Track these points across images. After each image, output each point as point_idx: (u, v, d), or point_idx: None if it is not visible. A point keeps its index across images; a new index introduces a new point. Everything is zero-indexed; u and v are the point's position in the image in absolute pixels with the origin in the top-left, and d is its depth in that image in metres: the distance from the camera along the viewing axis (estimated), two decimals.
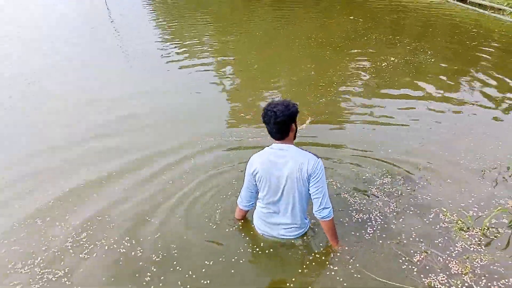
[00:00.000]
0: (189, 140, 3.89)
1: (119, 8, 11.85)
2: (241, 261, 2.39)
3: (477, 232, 2.51)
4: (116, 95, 5.27)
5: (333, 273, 2.27)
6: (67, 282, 2.28)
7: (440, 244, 2.42)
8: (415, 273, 2.23)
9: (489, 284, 2.13)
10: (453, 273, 2.21)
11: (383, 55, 6.36)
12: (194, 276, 2.29)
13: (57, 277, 2.32)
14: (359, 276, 2.23)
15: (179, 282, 2.25)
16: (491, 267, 2.24)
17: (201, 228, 2.66)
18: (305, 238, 2.50)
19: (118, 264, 2.42)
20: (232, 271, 2.33)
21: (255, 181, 2.32)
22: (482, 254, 2.34)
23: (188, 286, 2.23)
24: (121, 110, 4.74)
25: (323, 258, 2.37)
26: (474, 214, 2.69)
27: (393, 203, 2.83)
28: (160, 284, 2.26)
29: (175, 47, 7.46)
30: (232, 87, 5.47)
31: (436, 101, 4.69)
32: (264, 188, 2.31)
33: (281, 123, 2.14)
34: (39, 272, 2.36)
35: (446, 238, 2.48)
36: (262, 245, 2.48)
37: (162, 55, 7.00)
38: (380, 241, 2.47)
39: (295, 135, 2.29)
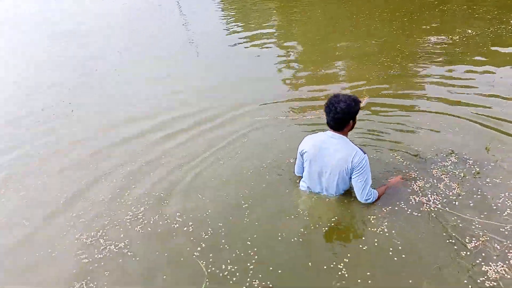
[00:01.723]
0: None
1: None
2: None
3: None
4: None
5: (367, 242, 2.45)
6: (128, 253, 2.67)
7: (503, 231, 2.41)
8: (465, 256, 2.29)
9: None
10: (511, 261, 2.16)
11: (456, 28, 6.08)
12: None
13: (117, 248, 2.70)
14: (398, 252, 2.37)
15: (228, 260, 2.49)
16: None
17: None
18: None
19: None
20: None
21: (303, 160, 2.73)
22: None
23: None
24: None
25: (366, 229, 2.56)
26: None
27: (454, 187, 2.83)
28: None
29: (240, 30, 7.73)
30: (294, 67, 5.72)
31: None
32: (309, 169, 2.71)
33: (340, 119, 2.49)
34: (103, 243, 2.75)
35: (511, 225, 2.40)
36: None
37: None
38: (433, 224, 2.53)
39: (351, 129, 2.63)
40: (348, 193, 2.81)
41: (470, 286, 2.10)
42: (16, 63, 7.56)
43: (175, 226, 2.84)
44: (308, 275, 2.32)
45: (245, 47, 6.82)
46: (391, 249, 2.40)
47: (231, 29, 8.03)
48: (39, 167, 3.88)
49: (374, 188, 2.68)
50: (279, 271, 2.36)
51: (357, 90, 4.54)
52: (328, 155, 2.57)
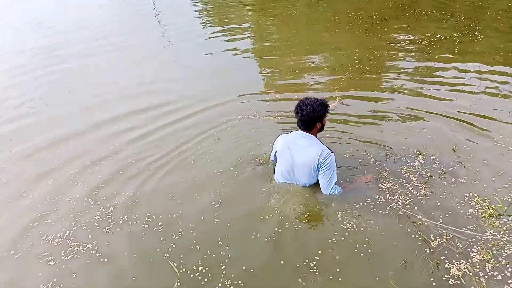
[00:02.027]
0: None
1: None
2: None
3: (509, 220, 2.53)
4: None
5: (336, 240, 2.57)
6: (96, 254, 2.65)
7: (465, 231, 2.55)
8: (429, 254, 2.41)
9: None
10: (474, 260, 2.33)
11: (426, 31, 6.30)
12: None
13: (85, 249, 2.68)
14: (366, 248, 2.49)
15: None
16: None
17: None
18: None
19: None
20: None
21: (275, 157, 3.02)
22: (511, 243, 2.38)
23: None
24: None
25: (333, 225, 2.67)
26: (510, 200, 2.70)
27: (422, 186, 2.95)
28: None
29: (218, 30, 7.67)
30: (269, 66, 5.77)
31: (481, 79, 4.68)
32: (279, 165, 2.96)
33: (305, 122, 2.76)
34: (70, 244, 2.72)
35: (474, 225, 2.60)
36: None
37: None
38: (400, 223, 2.65)
39: (320, 130, 2.87)
40: (318, 189, 2.89)
41: (434, 283, 2.22)
42: None
43: (145, 227, 2.82)
44: (281, 273, 2.39)
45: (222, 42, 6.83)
46: (357, 246, 2.51)
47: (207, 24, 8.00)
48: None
49: (340, 186, 2.86)
50: (251, 270, 2.41)
51: (329, 91, 4.65)
52: (296, 153, 2.83)
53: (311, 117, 2.71)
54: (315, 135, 2.85)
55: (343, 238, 2.57)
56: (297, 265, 2.41)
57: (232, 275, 2.38)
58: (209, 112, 4.38)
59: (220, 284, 2.33)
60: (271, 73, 5.48)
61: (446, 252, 2.39)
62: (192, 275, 2.39)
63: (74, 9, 10.35)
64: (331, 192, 2.80)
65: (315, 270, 2.36)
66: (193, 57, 6.35)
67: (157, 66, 6.11)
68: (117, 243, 2.72)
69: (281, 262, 2.45)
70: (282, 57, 5.97)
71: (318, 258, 2.44)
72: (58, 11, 10.31)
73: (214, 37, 7.13)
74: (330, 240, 2.56)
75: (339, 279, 2.30)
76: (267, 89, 4.95)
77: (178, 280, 2.37)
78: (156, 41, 7.25)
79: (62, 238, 2.80)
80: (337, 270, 2.36)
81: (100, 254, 2.64)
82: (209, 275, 2.39)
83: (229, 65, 5.94)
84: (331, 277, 2.32)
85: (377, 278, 2.29)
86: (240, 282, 2.33)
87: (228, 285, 2.32)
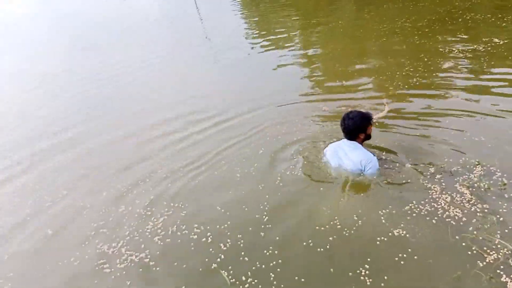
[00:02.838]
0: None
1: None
2: None
3: None
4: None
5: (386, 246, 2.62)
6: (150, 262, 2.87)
7: None
8: (484, 268, 2.37)
9: None
10: None
11: (480, 37, 6.13)
12: None
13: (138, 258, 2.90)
14: (415, 257, 2.52)
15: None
16: None
17: None
18: None
19: None
20: None
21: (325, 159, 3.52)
22: None
23: None
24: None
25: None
26: None
27: (478, 199, 2.90)
28: None
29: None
30: (316, 78, 5.97)
31: None
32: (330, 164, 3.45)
33: (348, 133, 3.21)
34: (124, 253, 2.97)
35: None
36: None
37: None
38: (452, 235, 2.65)
39: (364, 139, 3.27)
40: (366, 195, 3.08)
41: None
42: None
43: (194, 237, 2.98)
44: (331, 282, 2.48)
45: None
46: (405, 254, 2.55)
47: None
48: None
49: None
50: (302, 280, 2.51)
51: (377, 100, 4.68)
52: (342, 155, 3.30)
53: (352, 129, 3.16)
54: (360, 142, 3.25)
55: (392, 245, 2.62)
56: (349, 273, 2.48)
57: (282, 286, 2.47)
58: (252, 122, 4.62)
59: None
60: (318, 85, 5.61)
61: (502, 267, 2.35)
62: (241, 286, 2.50)
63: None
64: (375, 171, 3.18)
65: (366, 278, 2.42)
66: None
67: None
68: (167, 253, 2.92)
69: (331, 270, 2.54)
70: (329, 67, 6.06)
71: (367, 266, 2.50)
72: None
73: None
74: (380, 247, 2.62)
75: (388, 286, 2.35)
76: (314, 99, 5.08)
77: None
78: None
79: (117, 247, 3.03)
80: (385, 277, 2.41)
81: (153, 263, 2.83)
82: (260, 286, 2.49)
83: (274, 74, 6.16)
84: (382, 284, 2.37)
85: None
86: None
87: None
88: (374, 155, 3.21)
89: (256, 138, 4.25)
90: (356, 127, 3.14)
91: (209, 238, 2.95)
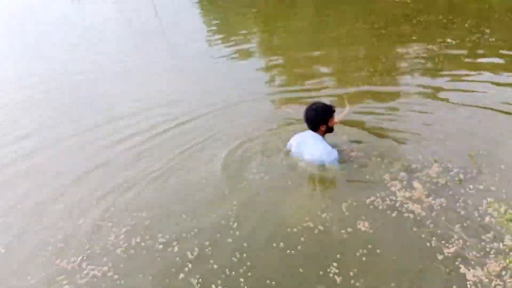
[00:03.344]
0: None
1: None
2: None
3: None
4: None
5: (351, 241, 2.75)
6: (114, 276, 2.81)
7: (482, 237, 2.67)
8: (442, 260, 2.53)
9: None
10: (490, 267, 2.44)
11: (435, 37, 6.54)
12: None
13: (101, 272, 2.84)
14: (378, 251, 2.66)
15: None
16: None
17: None
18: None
19: None
20: None
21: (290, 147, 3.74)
22: None
23: None
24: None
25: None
26: None
27: (436, 194, 3.09)
28: None
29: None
30: (276, 80, 6.12)
31: (498, 85, 4.82)
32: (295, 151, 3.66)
33: (310, 123, 3.43)
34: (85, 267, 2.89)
35: (491, 231, 2.70)
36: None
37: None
38: (412, 228, 2.81)
39: (326, 131, 3.47)
40: (329, 189, 3.33)
41: None
42: None
43: (159, 247, 2.95)
44: (304, 283, 2.54)
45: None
46: (368, 248, 2.69)
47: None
48: None
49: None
50: (273, 283, 2.55)
51: (337, 99, 4.82)
52: (304, 149, 3.50)
53: (313, 120, 3.38)
54: (322, 134, 3.46)
55: (356, 240, 2.76)
56: (318, 271, 2.57)
57: None
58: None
59: None
60: (277, 82, 5.78)
61: (461, 259, 2.52)
62: None
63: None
64: (330, 158, 3.37)
65: (335, 277, 2.52)
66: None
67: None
68: (131, 265, 2.86)
69: (301, 270, 2.61)
70: (288, 69, 6.22)
71: (336, 264, 2.60)
72: None
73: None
74: (345, 243, 2.76)
75: (356, 283, 2.46)
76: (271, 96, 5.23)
77: None
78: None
79: (76, 262, 2.93)
80: (351, 274, 2.52)
81: (117, 276, 2.78)
82: None
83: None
84: (353, 281, 2.48)
85: (392, 284, 2.43)
86: None
87: None
88: (335, 148, 3.42)
89: (216, 139, 4.29)
90: (318, 118, 3.36)
91: (176, 247, 2.93)
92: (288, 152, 3.72)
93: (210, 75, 6.56)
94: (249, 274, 2.63)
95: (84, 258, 2.96)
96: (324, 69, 5.99)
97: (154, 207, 3.40)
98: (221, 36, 8.74)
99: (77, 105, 5.94)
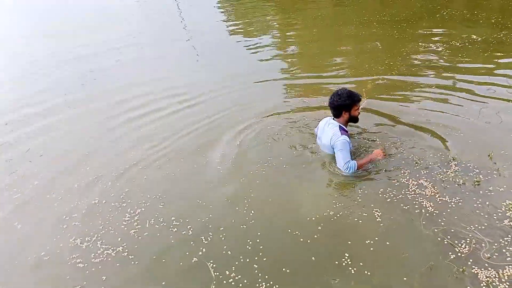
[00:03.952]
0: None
1: None
2: None
3: None
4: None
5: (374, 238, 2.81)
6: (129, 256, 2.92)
7: (497, 238, 2.72)
8: (454, 259, 2.59)
9: None
10: (503, 269, 2.49)
11: (457, 33, 6.56)
12: None
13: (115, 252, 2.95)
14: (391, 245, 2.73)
15: None
16: None
17: None
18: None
19: None
20: None
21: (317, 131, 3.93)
22: None
23: None
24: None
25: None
26: None
27: (452, 193, 3.14)
28: None
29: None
30: (294, 70, 6.12)
31: None
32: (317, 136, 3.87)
33: (333, 108, 3.48)
34: (100, 246, 3.00)
35: (509, 234, 2.74)
36: None
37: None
38: (425, 226, 2.87)
39: (349, 121, 3.54)
40: (344, 184, 3.37)
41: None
42: None
43: (173, 230, 3.01)
44: (314, 270, 2.62)
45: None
46: (379, 240, 2.78)
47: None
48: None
49: (355, 159, 3.46)
50: (288, 271, 2.64)
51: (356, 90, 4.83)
52: (321, 134, 3.65)
53: (336, 106, 3.41)
54: (343, 123, 3.52)
55: (368, 231, 2.85)
56: (331, 260, 2.66)
57: (267, 277, 2.60)
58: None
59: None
60: (295, 76, 5.80)
61: (474, 259, 2.59)
62: (225, 281, 2.60)
63: None
64: (344, 168, 3.36)
65: (350, 268, 2.59)
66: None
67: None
68: (145, 247, 2.97)
69: (313, 259, 2.70)
70: (307, 58, 6.29)
71: (347, 255, 2.69)
72: None
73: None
74: (358, 233, 2.85)
75: (368, 273, 2.55)
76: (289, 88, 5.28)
77: (214, 286, 2.59)
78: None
79: (90, 241, 3.05)
80: (361, 264, 2.61)
81: (132, 256, 2.88)
82: (245, 281, 2.61)
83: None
84: (366, 272, 2.56)
85: (404, 278, 2.51)
86: (275, 285, 2.54)
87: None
88: (344, 135, 3.40)
89: (230, 119, 4.52)
90: (341, 104, 3.38)
91: (190, 231, 3.04)
92: (314, 136, 3.89)
93: (228, 61, 6.73)
94: (263, 261, 2.72)
95: (99, 237, 3.07)
96: (342, 60, 6.02)
97: (169, 190, 3.51)
98: (238, 25, 8.88)
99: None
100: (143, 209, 3.31)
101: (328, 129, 3.51)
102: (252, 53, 6.97)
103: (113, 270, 2.80)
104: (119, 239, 3.03)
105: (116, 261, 2.86)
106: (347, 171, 3.36)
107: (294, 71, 5.97)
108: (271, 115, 4.59)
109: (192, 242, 2.93)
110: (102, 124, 4.87)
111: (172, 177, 3.68)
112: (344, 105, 3.39)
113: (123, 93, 5.74)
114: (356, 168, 3.36)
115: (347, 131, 3.53)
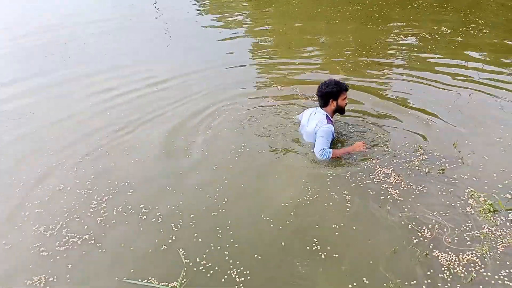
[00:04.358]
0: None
1: None
2: None
3: (506, 216, 2.78)
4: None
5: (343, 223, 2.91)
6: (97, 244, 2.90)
7: (459, 224, 2.88)
8: (417, 243, 2.73)
9: (502, 267, 2.55)
10: (464, 253, 2.65)
11: (427, 24, 6.76)
12: None
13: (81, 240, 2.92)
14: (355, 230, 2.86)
15: None
16: (509, 252, 2.66)
17: None
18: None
19: None
20: None
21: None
22: (504, 239, 2.71)
23: None
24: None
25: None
26: (510, 197, 3.02)
27: (417, 181, 3.28)
28: None
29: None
30: (268, 57, 6.17)
31: (485, 72, 5.04)
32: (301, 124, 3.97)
33: (320, 97, 3.61)
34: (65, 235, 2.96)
35: (469, 219, 2.91)
36: None
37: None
38: (391, 215, 2.98)
39: (336, 110, 3.64)
40: (316, 170, 3.44)
41: (421, 272, 2.53)
42: None
43: (142, 218, 3.00)
44: (285, 256, 2.69)
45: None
46: (354, 228, 2.88)
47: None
48: None
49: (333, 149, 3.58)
50: (259, 258, 2.69)
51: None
52: (307, 122, 3.71)
53: (324, 94, 3.53)
54: (330, 113, 3.63)
55: (336, 215, 2.96)
56: (301, 245, 2.73)
57: (238, 263, 2.64)
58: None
59: (226, 276, 2.57)
60: (268, 64, 5.81)
61: (436, 244, 2.74)
62: (195, 268, 2.62)
63: None
64: (319, 154, 3.48)
65: (320, 254, 2.67)
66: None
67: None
68: (113, 234, 2.95)
69: (282, 244, 2.77)
70: (280, 46, 6.37)
71: (316, 240, 2.77)
72: None
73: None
74: (328, 219, 2.94)
75: (337, 257, 2.65)
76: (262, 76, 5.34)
77: (184, 272, 2.60)
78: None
79: (55, 229, 2.99)
80: (328, 248, 2.70)
81: (99, 244, 2.86)
82: (216, 268, 2.64)
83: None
84: (335, 255, 2.66)
85: (370, 262, 2.62)
86: (246, 271, 2.59)
87: (234, 275, 2.57)
88: (328, 124, 3.51)
89: (199, 101, 4.62)
90: (329, 91, 3.51)
91: (159, 218, 3.06)
92: (298, 124, 3.98)
93: (200, 46, 6.68)
94: (236, 245, 2.77)
95: (64, 225, 3.02)
96: (314, 49, 6.14)
97: (137, 177, 3.49)
98: (213, 11, 8.84)
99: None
100: (110, 196, 3.28)
101: (314, 117, 3.63)
102: (225, 38, 6.95)
103: (79, 258, 2.76)
104: (85, 227, 3.00)
105: (82, 250, 2.83)
106: (320, 157, 3.48)
107: (267, 57, 5.99)
108: (243, 99, 4.63)
109: (161, 230, 2.94)
110: (65, 108, 4.76)
111: (140, 163, 3.66)
112: (331, 93, 3.51)
113: (90, 77, 5.59)
114: (330, 156, 3.48)
115: (333, 122, 3.65)
